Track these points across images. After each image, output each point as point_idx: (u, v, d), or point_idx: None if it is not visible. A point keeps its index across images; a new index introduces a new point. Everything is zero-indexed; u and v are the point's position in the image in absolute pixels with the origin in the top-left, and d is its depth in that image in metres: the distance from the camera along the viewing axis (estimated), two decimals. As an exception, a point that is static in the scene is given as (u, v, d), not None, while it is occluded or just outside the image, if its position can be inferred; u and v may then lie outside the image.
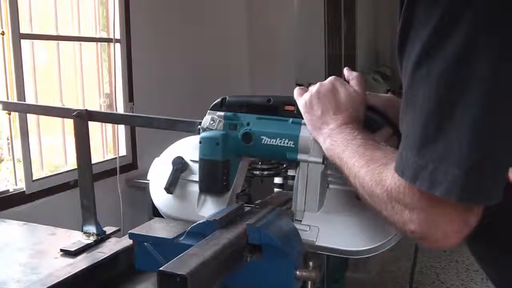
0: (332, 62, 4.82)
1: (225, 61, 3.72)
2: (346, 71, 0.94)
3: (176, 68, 3.23)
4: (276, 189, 2.46)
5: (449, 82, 0.58)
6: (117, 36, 2.76)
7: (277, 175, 2.63)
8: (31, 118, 2.28)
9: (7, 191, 2.20)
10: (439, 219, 0.61)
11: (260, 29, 4.15)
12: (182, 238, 0.91)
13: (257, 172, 2.77)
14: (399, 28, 0.65)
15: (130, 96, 2.88)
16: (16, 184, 2.25)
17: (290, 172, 2.64)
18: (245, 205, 1.02)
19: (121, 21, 2.78)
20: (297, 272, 0.86)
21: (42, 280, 1.03)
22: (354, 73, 0.92)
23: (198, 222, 0.91)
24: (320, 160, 0.92)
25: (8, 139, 2.23)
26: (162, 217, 1.08)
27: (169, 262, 0.74)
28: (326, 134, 0.84)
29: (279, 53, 4.11)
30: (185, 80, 3.33)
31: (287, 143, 0.94)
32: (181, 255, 0.77)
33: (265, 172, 2.76)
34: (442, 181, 0.57)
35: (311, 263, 0.88)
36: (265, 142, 0.95)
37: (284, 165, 2.82)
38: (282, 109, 0.96)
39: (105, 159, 2.78)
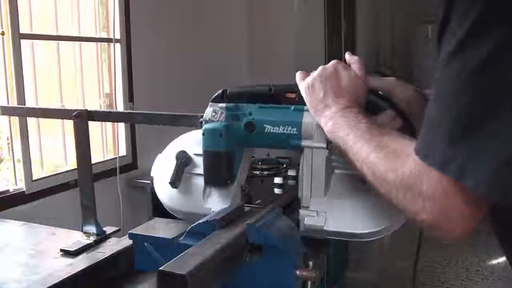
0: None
1: (225, 61, 3.72)
2: (347, 55, 0.94)
3: (176, 68, 3.23)
4: (276, 189, 2.46)
5: (488, 78, 0.57)
6: (117, 36, 2.76)
7: (277, 175, 2.63)
8: (31, 118, 2.28)
9: (7, 191, 2.20)
10: (450, 210, 0.61)
11: (260, 29, 4.14)
12: (182, 238, 0.91)
13: (257, 172, 2.77)
14: (439, 17, 0.64)
15: (130, 96, 2.87)
16: (16, 184, 2.25)
17: (290, 172, 2.64)
18: (245, 205, 1.02)
19: (121, 21, 2.78)
20: (297, 272, 0.86)
21: (42, 280, 1.03)
22: (355, 57, 0.92)
23: (198, 222, 0.91)
24: (324, 145, 0.91)
25: (8, 139, 2.23)
26: (162, 217, 1.08)
27: (169, 262, 0.74)
28: (327, 116, 0.84)
29: (279, 53, 4.10)
30: (185, 80, 3.32)
31: (290, 130, 0.94)
32: (181, 255, 0.77)
33: (265, 172, 2.76)
34: (473, 173, 0.57)
35: (311, 263, 0.88)
36: (268, 131, 0.95)
37: (284, 165, 2.82)
38: (283, 97, 0.96)
39: (105, 159, 2.78)
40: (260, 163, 2.83)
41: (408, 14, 6.16)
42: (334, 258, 2.76)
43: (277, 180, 2.50)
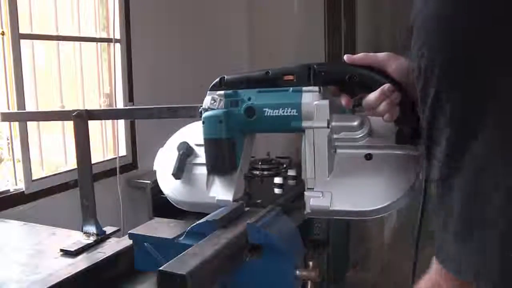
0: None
1: (225, 61, 3.72)
2: (346, 57, 0.92)
3: (176, 68, 3.23)
4: (276, 189, 2.46)
5: (472, 195, 0.61)
6: (117, 36, 2.76)
7: (277, 175, 2.63)
8: (31, 118, 2.28)
9: (7, 191, 2.20)
10: None
11: (260, 29, 4.14)
12: (182, 238, 0.91)
13: (257, 172, 2.77)
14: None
15: (130, 96, 2.87)
16: (16, 184, 2.25)
17: (290, 172, 2.64)
18: (245, 205, 1.02)
19: (121, 21, 2.78)
20: (297, 272, 0.86)
21: (42, 280, 1.03)
22: (360, 55, 0.90)
23: (197, 222, 0.91)
24: (325, 124, 0.91)
25: (8, 139, 2.23)
26: (162, 217, 1.08)
27: (169, 262, 0.74)
28: None
29: (279, 53, 4.10)
30: (185, 80, 3.32)
31: (290, 112, 0.93)
32: (181, 255, 0.77)
33: (265, 172, 2.76)
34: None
35: (311, 263, 0.88)
36: (268, 114, 0.94)
37: (284, 165, 2.82)
38: (281, 80, 0.95)
39: (105, 159, 2.78)
40: (260, 163, 2.82)
41: (408, 14, 6.15)
42: (334, 258, 2.76)
43: (277, 180, 2.50)
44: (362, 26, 5.73)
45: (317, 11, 4.70)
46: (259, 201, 1.96)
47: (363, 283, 3.32)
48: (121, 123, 2.82)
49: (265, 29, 4.13)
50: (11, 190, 2.21)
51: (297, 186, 2.48)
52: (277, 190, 2.45)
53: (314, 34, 4.64)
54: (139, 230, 0.99)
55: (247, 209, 1.01)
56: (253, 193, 2.39)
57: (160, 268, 0.71)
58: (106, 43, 2.79)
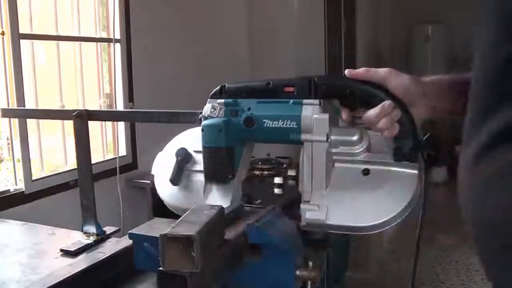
0: (332, 62, 4.82)
1: (225, 61, 3.72)
2: (347, 72, 0.92)
3: (176, 68, 3.23)
4: (276, 189, 2.46)
5: None
6: (117, 36, 2.76)
7: (277, 175, 2.63)
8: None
9: (8, 191, 2.20)
10: None
11: (260, 29, 4.14)
12: (182, 238, 0.91)
13: (257, 172, 2.76)
14: None
15: (130, 96, 2.88)
16: (16, 184, 2.25)
17: (290, 172, 2.64)
18: (245, 205, 1.02)
19: (121, 21, 2.78)
20: (297, 272, 0.86)
21: (42, 280, 1.03)
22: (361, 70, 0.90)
23: (198, 222, 0.90)
24: (324, 138, 0.91)
25: (8, 139, 2.23)
26: (162, 217, 1.08)
27: (169, 262, 0.74)
28: None
29: (279, 53, 4.11)
30: (185, 80, 3.32)
31: (289, 124, 0.93)
32: (181, 255, 0.77)
33: (265, 172, 2.76)
34: None
35: (311, 263, 0.88)
36: (268, 125, 0.95)
37: (284, 165, 2.82)
38: (282, 91, 0.95)
39: (105, 159, 2.78)
40: (260, 163, 2.82)
41: (408, 14, 6.16)
42: (334, 258, 2.76)
43: (277, 180, 2.49)
44: (362, 26, 5.73)
45: (317, 11, 4.70)
46: (259, 201, 1.96)
47: (363, 283, 3.32)
48: (121, 123, 2.82)
49: (265, 29, 4.13)
50: (11, 190, 2.21)
51: (297, 187, 2.47)
52: (277, 190, 2.45)
53: (314, 34, 4.64)
54: (139, 230, 0.99)
55: (247, 209, 1.01)
56: (253, 193, 2.39)
57: (160, 268, 0.72)
58: (106, 43, 2.79)
